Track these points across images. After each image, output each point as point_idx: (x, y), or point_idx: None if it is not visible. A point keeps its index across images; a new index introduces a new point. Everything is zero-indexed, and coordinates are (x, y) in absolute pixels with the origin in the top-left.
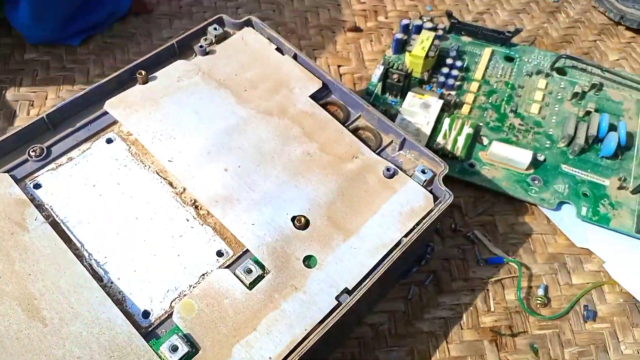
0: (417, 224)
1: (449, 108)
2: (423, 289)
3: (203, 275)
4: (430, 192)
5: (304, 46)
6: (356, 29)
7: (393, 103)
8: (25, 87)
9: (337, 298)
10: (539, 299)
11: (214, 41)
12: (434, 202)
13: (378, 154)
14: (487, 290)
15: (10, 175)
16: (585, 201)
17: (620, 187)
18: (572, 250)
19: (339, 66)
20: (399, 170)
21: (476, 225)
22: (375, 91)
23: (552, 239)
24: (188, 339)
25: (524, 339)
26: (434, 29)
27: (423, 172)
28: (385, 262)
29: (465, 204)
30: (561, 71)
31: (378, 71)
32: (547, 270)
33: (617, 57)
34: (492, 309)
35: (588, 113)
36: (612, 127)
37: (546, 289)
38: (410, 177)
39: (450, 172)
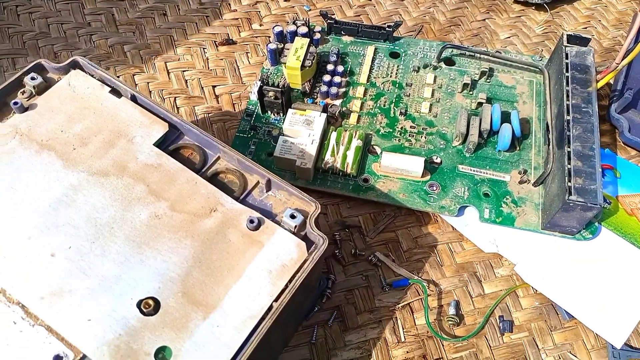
0: (291, 280)
1: (335, 120)
2: (327, 328)
3: None
4: (304, 237)
5: (172, 69)
6: (229, 42)
7: (276, 122)
8: None
9: None
10: (451, 319)
11: (34, 93)
12: (308, 249)
13: (243, 200)
14: (396, 318)
15: None
16: (487, 202)
17: (522, 181)
18: (481, 257)
19: (213, 86)
20: (264, 219)
21: (378, 245)
22: (256, 111)
23: (459, 246)
24: None
25: None
26: (311, 32)
27: (292, 216)
28: (254, 336)
29: (365, 223)
30: (449, 61)
31: (255, 88)
32: (457, 284)
33: (508, 34)
34: (403, 339)
35: (480, 104)
36: (507, 117)
37: (457, 305)
38: (279, 224)
39: (345, 191)
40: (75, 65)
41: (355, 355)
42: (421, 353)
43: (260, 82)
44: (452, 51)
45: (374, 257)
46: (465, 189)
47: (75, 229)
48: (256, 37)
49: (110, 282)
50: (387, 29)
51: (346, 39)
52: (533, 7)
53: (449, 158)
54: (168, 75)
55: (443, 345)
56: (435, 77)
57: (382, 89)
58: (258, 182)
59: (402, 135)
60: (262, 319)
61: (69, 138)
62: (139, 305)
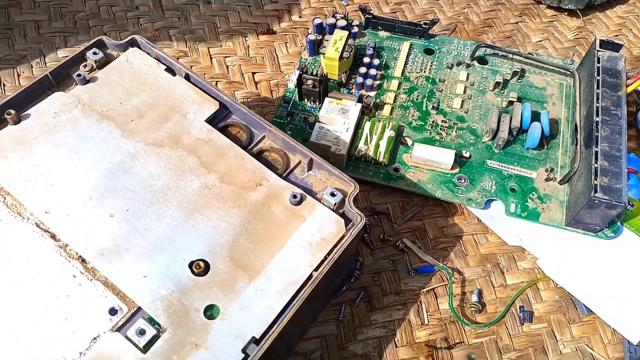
0: (330, 253)
1: (369, 110)
2: (354, 307)
3: (94, 339)
4: (343, 215)
5: (214, 54)
6: (269, 32)
7: (312, 110)
8: None
9: (243, 350)
10: (473, 305)
11: (95, 67)
12: (346, 226)
13: (286, 177)
14: (420, 302)
15: None
16: (513, 197)
17: (548, 179)
18: (504, 249)
19: (253, 73)
20: (306, 196)
21: (405, 232)
22: (293, 98)
23: (484, 238)
24: None
25: (461, 350)
26: (349, 26)
27: (332, 194)
28: (295, 301)
29: (394, 210)
30: (482, 60)
31: (294, 76)
32: (480, 273)
33: (540, 38)
34: (427, 322)
35: (511, 103)
36: (536, 116)
37: (480, 293)
38: (320, 201)
39: (376, 179)
40: (133, 43)
41: (380, 334)
42: (443, 336)
43: (299, 70)
44: (485, 50)
45: (402, 242)
46: (493, 183)
47: (133, 193)
48: (295, 28)
49: (164, 243)
50: (423, 26)
51: (382, 34)
52: (566, 13)
53: (478, 153)
54: (210, 60)
55: (464, 330)
56: (468, 74)
57: (415, 83)
58: (300, 162)
59: (434, 128)
60: (302, 286)
61: (127, 110)
62: (190, 265)
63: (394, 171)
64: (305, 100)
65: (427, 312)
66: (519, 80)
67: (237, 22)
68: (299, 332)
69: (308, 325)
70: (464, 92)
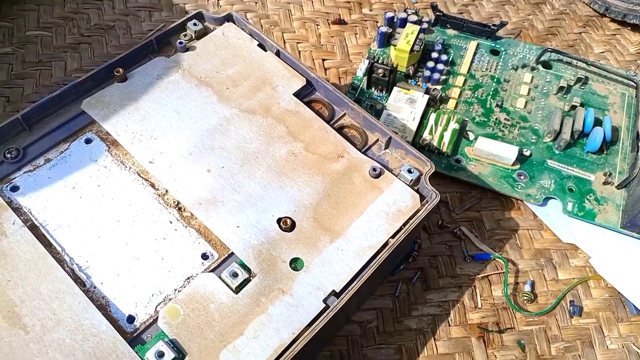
0: (404, 225)
1: (434, 103)
2: (411, 286)
3: (188, 278)
4: (417, 191)
5: (287, 39)
6: (340, 22)
7: (379, 98)
8: (0, 82)
9: (324, 301)
10: (526, 295)
11: (193, 37)
12: (421, 201)
13: (364, 153)
14: (474, 286)
15: None
16: (571, 196)
17: (606, 182)
18: (558, 246)
19: (323, 60)
20: (385, 170)
21: (463, 221)
22: (361, 86)
23: (539, 234)
24: (174, 345)
25: (511, 335)
26: (419, 22)
27: (409, 171)
28: (372, 264)
29: (452, 200)
30: (547, 65)
31: (363, 65)
32: (534, 266)
33: (602, 49)
34: (480, 306)
35: (573, 107)
36: (598, 122)
37: (532, 284)
38: (397, 176)
39: (437, 168)
40: (229, 18)
41: (434, 312)
42: (495, 320)
43: (368, 60)
44: (550, 56)
45: (459, 230)
46: (552, 182)
47: (228, 152)
48: (365, 20)
49: (255, 200)
50: (492, 27)
51: (450, 32)
52: (629, 28)
53: (539, 152)
54: (284, 44)
55: (515, 317)
56: (532, 77)
57: (480, 81)
58: (377, 140)
59: (496, 125)
60: (379, 251)
61: (222, 78)
62: (278, 221)
63: (455, 162)
64: (373, 88)
65: (480, 297)
66: (582, 87)
67: (310, 10)
68: (363, 297)
69: (366, 296)
70: (528, 93)
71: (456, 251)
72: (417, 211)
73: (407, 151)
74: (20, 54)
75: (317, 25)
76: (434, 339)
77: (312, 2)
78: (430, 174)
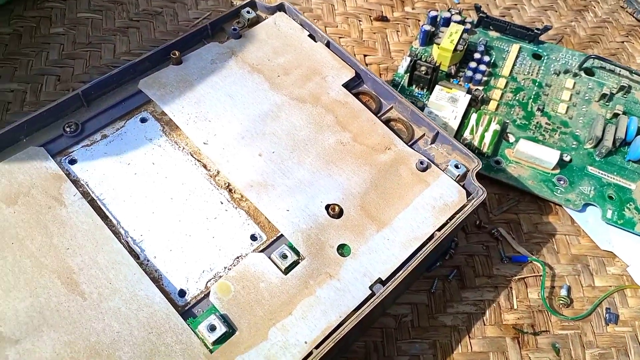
0: (450, 219)
1: (475, 103)
2: (447, 283)
3: (237, 257)
4: (463, 187)
5: (330, 33)
6: (383, 19)
7: (419, 96)
8: (51, 62)
9: (370, 287)
10: (562, 299)
11: (246, 24)
12: (467, 197)
13: (410, 146)
14: (510, 288)
15: (45, 149)
16: (610, 204)
17: None
18: (595, 253)
19: (365, 55)
20: (432, 164)
21: (500, 223)
22: (402, 83)
23: (576, 240)
24: (225, 320)
25: (545, 338)
26: (462, 22)
27: (457, 166)
28: (418, 255)
29: (490, 201)
30: (589, 72)
31: (405, 62)
32: (570, 271)
33: None
34: (515, 307)
35: (616, 115)
36: None
37: (569, 289)
38: (443, 171)
39: None
40: (281, 7)
41: (469, 310)
42: (530, 322)
43: (410, 57)
44: (593, 62)
45: (497, 231)
46: (592, 189)
47: (278, 138)
48: (407, 18)
49: (305, 185)
50: (535, 30)
51: (493, 34)
52: None
53: (580, 158)
54: None
55: (551, 320)
56: (574, 83)
57: (522, 84)
58: (424, 135)
59: (537, 129)
60: (424, 243)
61: (274, 66)
62: (326, 208)
63: (495, 163)
64: (414, 86)
65: (516, 298)
66: (625, 96)
67: (353, 6)
68: (399, 291)
69: (402, 290)
70: (570, 99)
71: (493, 252)
72: (463, 206)
73: (454, 147)
74: (72, 34)
75: (360, 21)
76: (469, 337)
77: None
78: (477, 170)
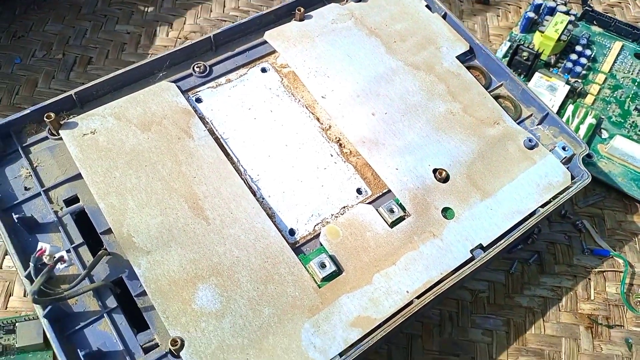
0: (553, 198)
1: (572, 95)
2: (526, 266)
3: (344, 207)
4: (567, 169)
5: None
6: (485, 2)
7: None
8: (165, 10)
9: (471, 251)
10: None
11: None
12: (571, 180)
13: (518, 124)
14: (589, 279)
15: (176, 85)
16: None
17: None
18: None
19: None
20: (539, 143)
21: (584, 216)
22: None
23: None
24: (333, 260)
25: (619, 332)
26: (567, 13)
27: (564, 149)
28: (520, 227)
29: (576, 193)
30: None
31: (504, 47)
32: None
33: None
34: (592, 298)
35: None
36: None
37: None
38: (550, 152)
39: None
40: None
41: (546, 294)
42: (605, 315)
43: (509, 42)
44: None
45: (581, 223)
46: None
47: (391, 100)
48: (509, 4)
49: (414, 148)
50: None
51: (595, 28)
52: None
53: None
54: None
55: (626, 316)
56: None
57: (621, 82)
58: (531, 115)
59: (632, 128)
60: (526, 218)
61: (390, 32)
62: (434, 172)
63: (586, 157)
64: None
65: (594, 290)
66: None
67: None
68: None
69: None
70: None
71: (575, 242)
72: (567, 188)
73: (562, 130)
74: None
75: (461, 1)
76: (543, 320)
77: None
78: (584, 155)
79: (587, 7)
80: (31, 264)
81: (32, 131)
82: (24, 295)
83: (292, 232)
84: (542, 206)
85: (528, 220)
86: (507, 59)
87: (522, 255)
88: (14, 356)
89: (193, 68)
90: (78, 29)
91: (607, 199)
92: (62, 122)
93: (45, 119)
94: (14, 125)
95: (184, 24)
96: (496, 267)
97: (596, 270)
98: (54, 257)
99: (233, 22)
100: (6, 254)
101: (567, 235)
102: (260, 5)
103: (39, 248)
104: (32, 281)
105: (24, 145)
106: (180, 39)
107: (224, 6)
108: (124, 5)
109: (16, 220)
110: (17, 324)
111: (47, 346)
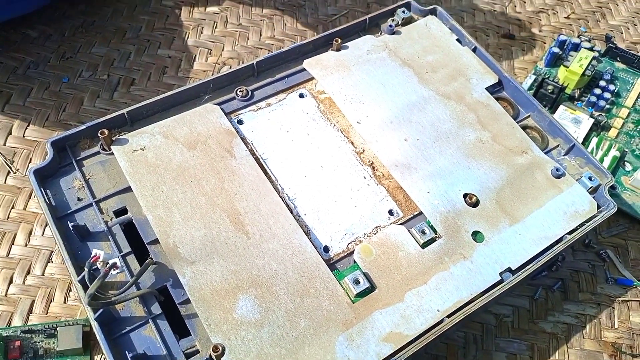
0: (580, 226)
1: (596, 128)
2: (550, 292)
3: (376, 227)
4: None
5: None
6: (510, 36)
7: None
8: (205, 36)
9: (500, 274)
10: None
11: (400, 23)
12: (597, 209)
13: (545, 154)
14: (613, 307)
15: (220, 108)
16: None
17: None
18: None
19: None
20: (566, 173)
21: (608, 246)
22: None
23: None
24: (367, 277)
25: None
26: (591, 49)
27: (590, 179)
28: (547, 253)
29: (600, 223)
30: None
31: (529, 80)
32: None
33: None
34: (616, 326)
35: None
36: None
37: None
38: (576, 181)
39: None
40: (433, 12)
41: (570, 321)
42: (629, 344)
43: (534, 75)
44: None
45: (605, 252)
46: None
47: (423, 127)
48: (533, 40)
49: (445, 173)
50: None
51: (619, 64)
52: None
53: None
54: None
55: None
56: None
57: None
58: (558, 145)
59: None
60: (553, 244)
61: (422, 63)
62: (464, 196)
63: (610, 188)
64: None
65: (618, 319)
66: None
67: (482, 21)
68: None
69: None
70: None
71: (598, 271)
72: (593, 217)
73: (588, 161)
74: (224, 15)
75: (487, 35)
76: (567, 346)
77: (484, 13)
78: (609, 185)
79: (610, 44)
80: (86, 269)
81: (85, 146)
82: (64, 302)
83: (326, 249)
84: (569, 233)
85: (555, 246)
86: (532, 91)
87: (546, 282)
88: (54, 359)
89: (236, 92)
90: (122, 51)
91: (631, 230)
92: (114, 139)
93: (99, 134)
94: (69, 140)
95: (222, 50)
96: (520, 292)
97: (620, 299)
98: (107, 264)
99: (268, 50)
100: (49, 262)
101: (590, 264)
102: (294, 34)
103: (93, 254)
104: (84, 285)
105: (77, 158)
106: (218, 64)
107: (260, 35)
108: (166, 31)
109: (70, 228)
110: (58, 329)
111: (85, 351)
